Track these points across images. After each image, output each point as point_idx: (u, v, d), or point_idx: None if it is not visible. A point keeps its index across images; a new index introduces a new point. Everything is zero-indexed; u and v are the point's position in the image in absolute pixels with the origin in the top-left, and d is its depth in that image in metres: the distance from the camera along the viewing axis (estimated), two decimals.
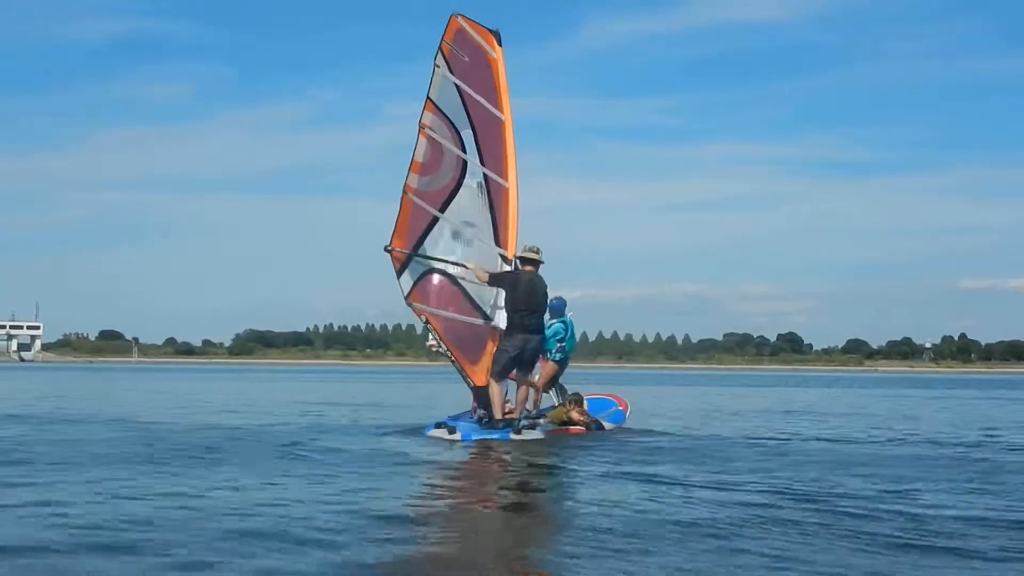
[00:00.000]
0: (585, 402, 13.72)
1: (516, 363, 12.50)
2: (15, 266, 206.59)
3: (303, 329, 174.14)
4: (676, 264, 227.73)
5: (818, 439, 13.56)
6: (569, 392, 13.86)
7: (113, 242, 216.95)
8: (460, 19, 13.05)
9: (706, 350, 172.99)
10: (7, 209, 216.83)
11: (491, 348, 12.81)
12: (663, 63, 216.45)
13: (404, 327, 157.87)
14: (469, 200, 13.06)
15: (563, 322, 13.68)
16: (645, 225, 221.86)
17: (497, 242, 13.06)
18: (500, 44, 13.29)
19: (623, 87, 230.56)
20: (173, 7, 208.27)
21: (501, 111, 13.21)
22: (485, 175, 13.11)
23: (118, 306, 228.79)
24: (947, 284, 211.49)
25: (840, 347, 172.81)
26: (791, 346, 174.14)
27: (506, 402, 12.99)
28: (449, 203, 12.94)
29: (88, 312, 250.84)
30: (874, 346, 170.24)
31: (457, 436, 12.13)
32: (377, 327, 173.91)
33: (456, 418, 13.08)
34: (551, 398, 14.02)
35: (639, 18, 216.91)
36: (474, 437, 12.14)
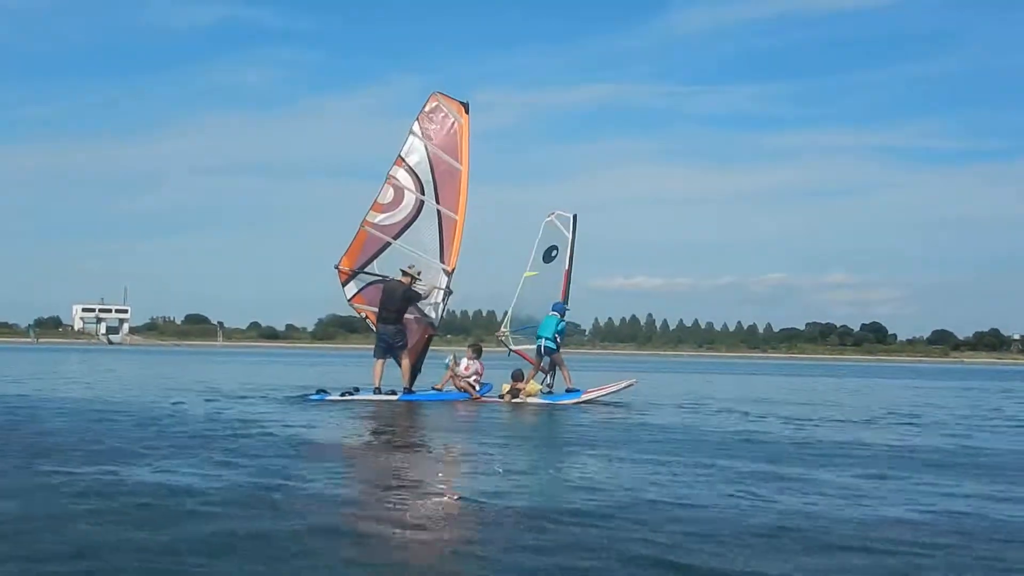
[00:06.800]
0: (526, 383, 17.64)
1: (385, 345, 17.08)
2: (105, 250, 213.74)
3: None
4: (759, 253, 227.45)
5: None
6: (520, 379, 17.82)
7: (201, 226, 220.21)
8: (439, 95, 18.08)
9: (788, 339, 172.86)
10: (97, 194, 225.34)
11: (420, 336, 17.60)
12: (751, 49, 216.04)
13: (484, 313, 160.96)
14: (423, 229, 17.61)
15: (547, 318, 17.90)
16: (728, 213, 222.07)
17: (442, 260, 17.73)
18: (467, 113, 18.12)
19: (710, 74, 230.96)
20: None
21: (460, 163, 17.88)
22: (439, 210, 17.72)
23: (205, 290, 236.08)
24: None
25: (925, 338, 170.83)
26: (875, 336, 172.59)
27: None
28: (403, 233, 17.61)
29: (175, 296, 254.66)
30: (960, 337, 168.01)
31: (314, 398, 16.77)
32: (458, 313, 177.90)
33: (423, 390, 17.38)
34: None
35: (728, 3, 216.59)
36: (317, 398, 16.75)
